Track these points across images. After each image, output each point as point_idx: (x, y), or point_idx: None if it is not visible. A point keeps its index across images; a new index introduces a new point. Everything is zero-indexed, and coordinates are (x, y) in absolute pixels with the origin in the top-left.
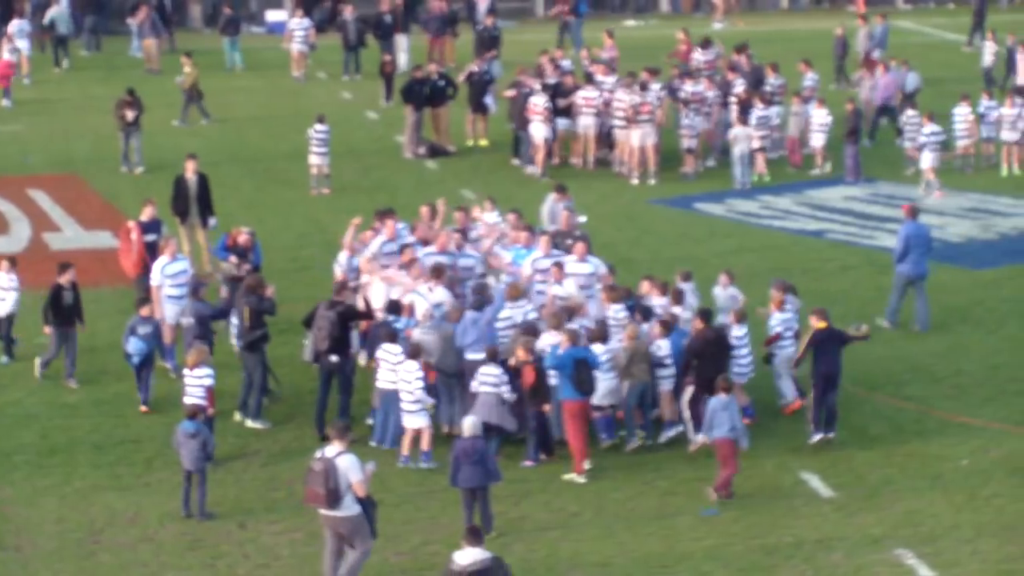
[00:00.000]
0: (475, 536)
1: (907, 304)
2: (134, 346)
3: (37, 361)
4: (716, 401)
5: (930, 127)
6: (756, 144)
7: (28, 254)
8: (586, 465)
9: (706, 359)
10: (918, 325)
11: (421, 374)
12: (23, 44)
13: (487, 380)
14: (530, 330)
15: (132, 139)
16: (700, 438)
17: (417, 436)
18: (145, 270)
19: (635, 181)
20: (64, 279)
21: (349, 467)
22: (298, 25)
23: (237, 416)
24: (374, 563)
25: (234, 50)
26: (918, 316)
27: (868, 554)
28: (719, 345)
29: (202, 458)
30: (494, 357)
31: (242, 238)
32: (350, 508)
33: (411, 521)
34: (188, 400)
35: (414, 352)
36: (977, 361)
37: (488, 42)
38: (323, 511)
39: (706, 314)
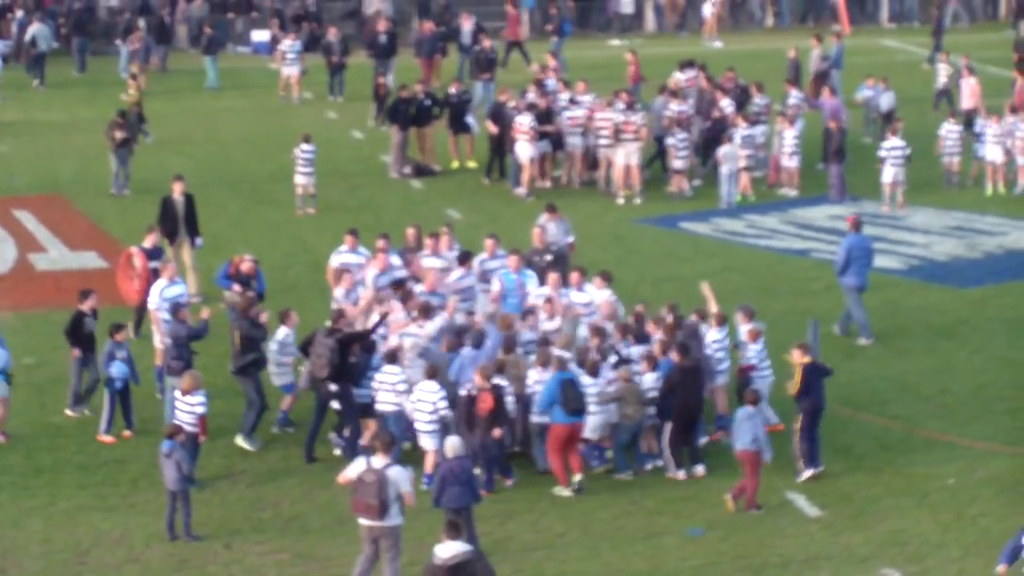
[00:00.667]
0: (454, 529)
1: (875, 317)
2: (119, 370)
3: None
4: (741, 412)
5: (891, 141)
6: (742, 163)
7: (13, 275)
8: (577, 478)
9: (683, 392)
10: (838, 328)
11: (443, 393)
12: None
13: (426, 399)
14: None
15: (123, 162)
16: (680, 474)
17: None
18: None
19: (620, 200)
20: (86, 306)
21: (399, 478)
22: (290, 48)
23: (239, 439)
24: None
25: (212, 68)
26: (842, 322)
27: (855, 573)
28: (697, 382)
29: (181, 479)
30: (433, 374)
31: (245, 266)
32: (396, 518)
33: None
34: (181, 425)
35: (431, 372)
36: (963, 380)
37: (485, 64)
38: (370, 522)
39: (684, 347)
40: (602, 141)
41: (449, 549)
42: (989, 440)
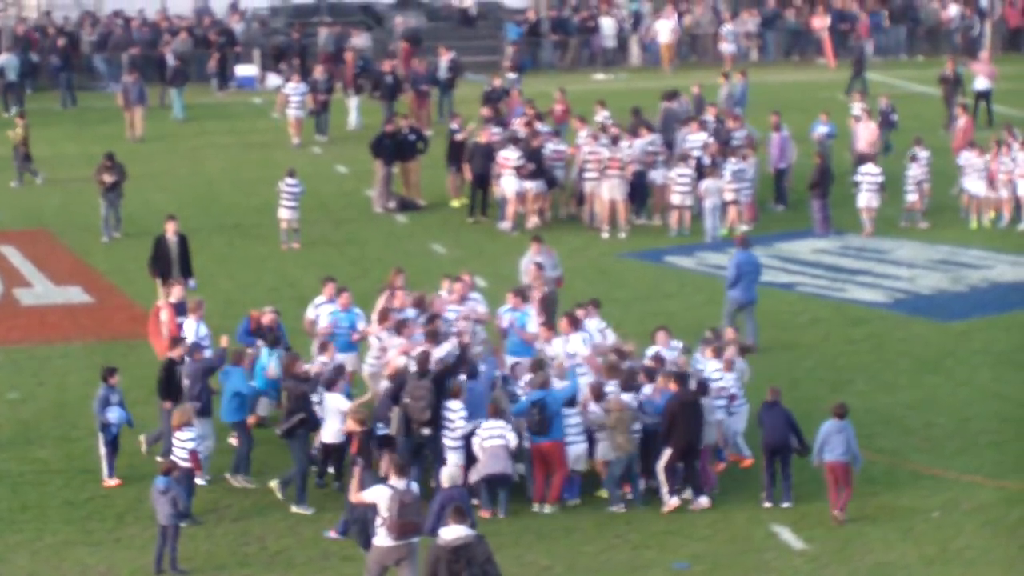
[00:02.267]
0: (460, 515)
1: (860, 350)
2: (117, 416)
3: (142, 438)
4: (830, 425)
5: (867, 167)
6: (729, 196)
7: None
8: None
9: (681, 423)
10: (750, 340)
11: (465, 413)
12: None
13: (493, 434)
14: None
15: (112, 205)
16: (674, 501)
17: None
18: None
19: (605, 235)
20: (177, 353)
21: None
22: (294, 91)
23: (294, 507)
24: None
25: (178, 101)
26: (748, 335)
27: None
28: (694, 409)
29: (174, 514)
30: (496, 413)
31: (266, 318)
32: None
33: None
34: (175, 461)
35: (456, 392)
36: (948, 413)
37: (496, 99)
38: (407, 541)
39: (681, 377)
40: (588, 176)
41: (454, 532)
42: (974, 473)
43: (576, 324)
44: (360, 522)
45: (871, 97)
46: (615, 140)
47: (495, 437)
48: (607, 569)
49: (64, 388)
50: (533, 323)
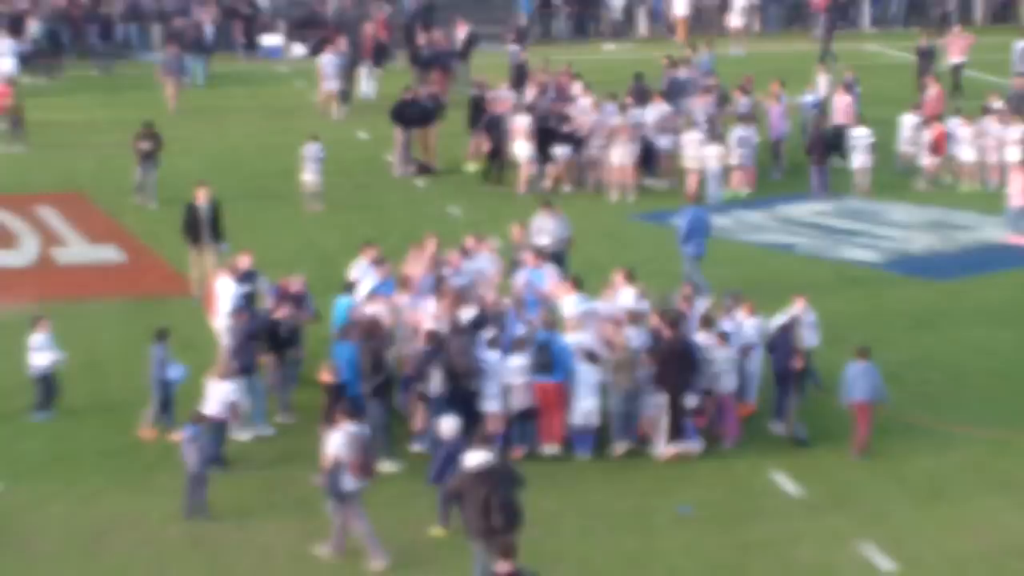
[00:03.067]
0: (484, 441)
1: (856, 308)
2: (181, 372)
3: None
4: (854, 367)
5: (859, 130)
6: (733, 161)
7: (37, 268)
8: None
9: (670, 368)
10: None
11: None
12: (9, 63)
13: (517, 370)
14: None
15: (148, 173)
16: (670, 449)
17: None
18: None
19: (614, 198)
20: (281, 314)
21: None
22: (329, 62)
23: (386, 464)
24: (366, 560)
25: (198, 65)
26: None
27: (835, 550)
28: (688, 356)
29: (202, 461)
30: (521, 348)
31: (294, 287)
32: None
33: (401, 520)
34: (212, 411)
35: (494, 344)
36: (942, 368)
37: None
38: (367, 480)
39: (676, 322)
40: (596, 143)
41: (477, 457)
42: (965, 424)
43: (577, 286)
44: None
45: (838, 69)
46: (624, 108)
47: (521, 374)
48: (614, 514)
49: (97, 343)
50: (548, 281)
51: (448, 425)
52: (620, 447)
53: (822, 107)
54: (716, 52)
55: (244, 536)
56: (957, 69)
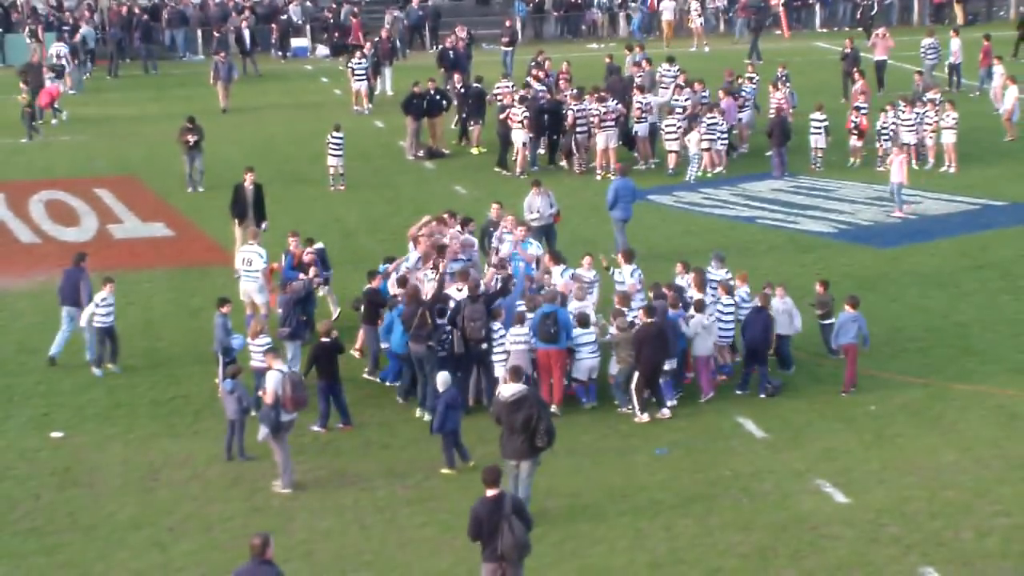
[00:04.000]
0: (516, 374)
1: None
2: (239, 343)
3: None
4: (845, 315)
5: (815, 114)
6: (704, 145)
7: (95, 242)
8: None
9: (648, 349)
10: (620, 250)
11: (504, 331)
12: (64, 61)
13: (518, 340)
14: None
15: (195, 162)
16: (644, 417)
17: None
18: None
19: (599, 177)
20: (375, 283)
21: None
22: (358, 64)
23: (417, 412)
24: (383, 496)
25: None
26: (619, 246)
27: (793, 484)
28: (660, 339)
29: (240, 410)
30: (521, 321)
31: (307, 258)
32: None
33: (415, 461)
34: (252, 362)
35: (497, 315)
36: (883, 324)
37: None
38: (296, 414)
39: (650, 310)
40: (579, 131)
41: (511, 389)
42: (903, 373)
43: (558, 260)
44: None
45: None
46: (602, 100)
47: (519, 343)
48: (600, 454)
49: (150, 307)
50: (534, 248)
51: (442, 379)
52: (623, 410)
53: (755, 100)
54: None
55: (277, 474)
56: (880, 66)
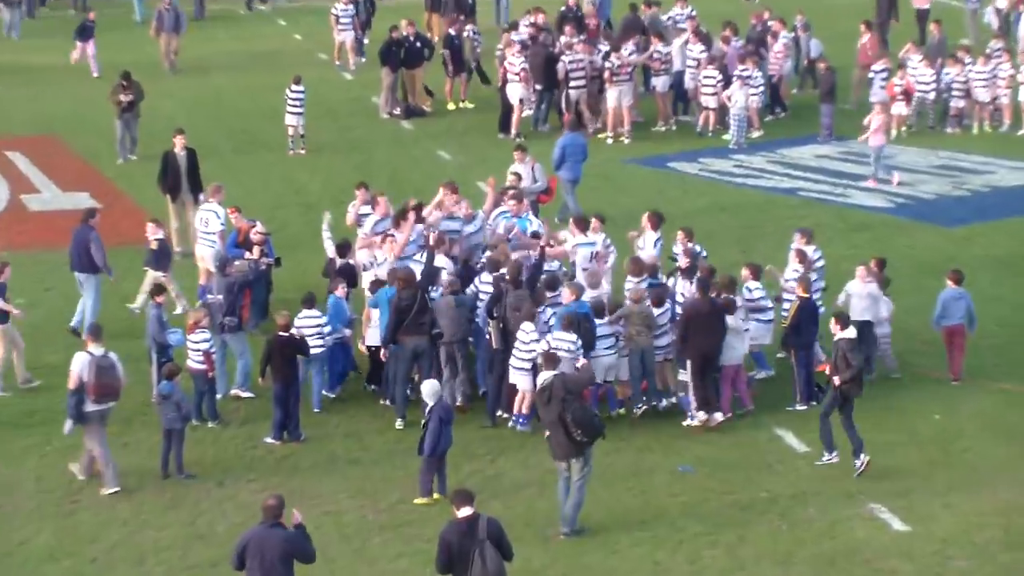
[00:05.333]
0: (552, 361)
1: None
2: (177, 339)
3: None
4: (948, 293)
5: (879, 64)
6: (711, 103)
7: (6, 216)
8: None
9: (700, 331)
10: (557, 219)
11: (536, 335)
12: None
13: (563, 347)
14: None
15: (130, 127)
16: (700, 416)
17: (522, 398)
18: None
19: (610, 141)
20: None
21: None
22: (343, 12)
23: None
24: (350, 520)
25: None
26: (571, 209)
27: (842, 508)
28: (716, 318)
29: (178, 418)
30: (571, 326)
31: (256, 236)
32: None
33: (389, 479)
34: (188, 362)
35: (529, 311)
36: None
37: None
38: (103, 404)
39: (704, 284)
40: (574, 84)
41: (545, 376)
42: (974, 377)
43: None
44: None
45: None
46: (617, 48)
47: (566, 351)
48: (612, 472)
49: (71, 294)
50: (536, 226)
51: (431, 389)
52: (638, 410)
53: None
54: None
55: (223, 494)
56: (922, 16)
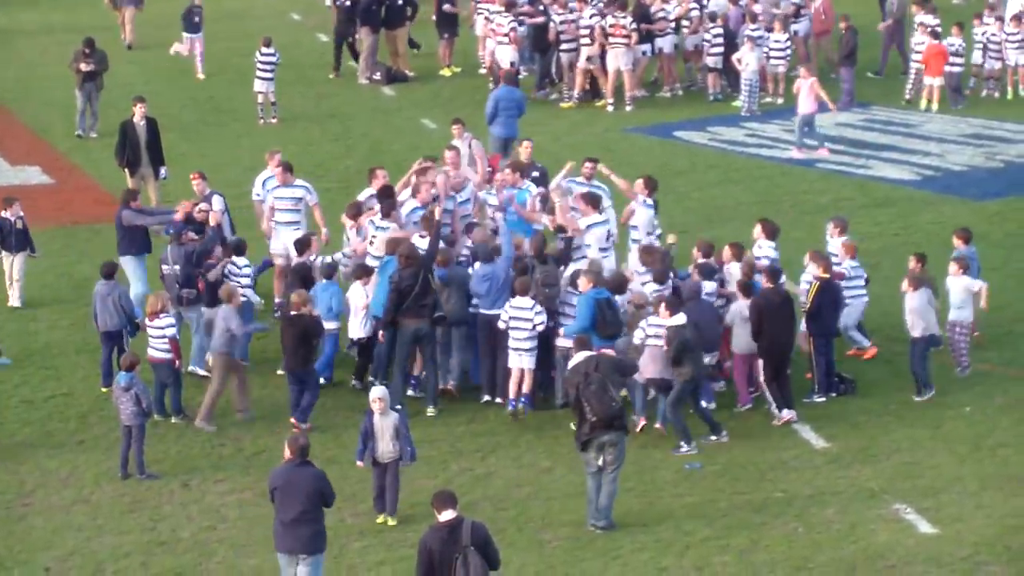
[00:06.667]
0: (583, 345)
1: (885, 232)
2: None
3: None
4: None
5: (923, 16)
6: (710, 63)
7: None
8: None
9: (774, 324)
10: None
11: (539, 308)
12: None
13: (655, 332)
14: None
15: (91, 100)
16: (786, 414)
17: (521, 378)
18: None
19: (610, 108)
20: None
21: None
22: None
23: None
24: (330, 524)
25: None
26: None
27: (864, 509)
28: (786, 309)
29: (139, 413)
30: (674, 307)
31: (200, 215)
32: None
33: (370, 480)
34: (150, 352)
35: (524, 287)
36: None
37: None
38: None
39: (775, 273)
40: (564, 46)
41: (580, 356)
42: (1008, 365)
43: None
44: None
45: None
46: (622, 7)
47: (656, 337)
48: None
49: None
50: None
51: (380, 394)
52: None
53: None
54: None
55: (189, 496)
56: None
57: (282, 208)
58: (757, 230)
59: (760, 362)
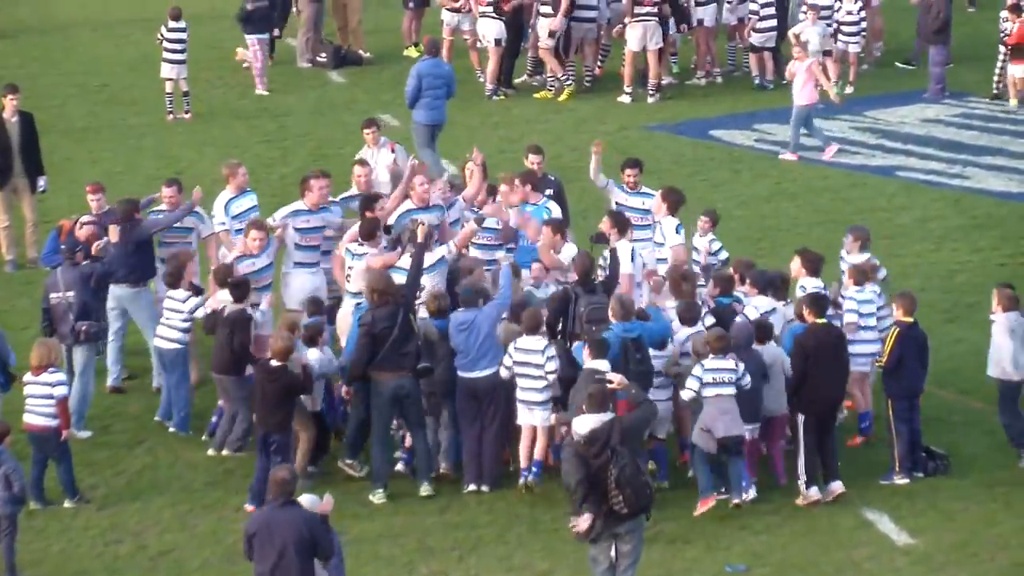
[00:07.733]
0: (602, 401)
1: (977, 258)
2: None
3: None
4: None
5: None
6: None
7: None
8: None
9: (822, 370)
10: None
11: (552, 352)
12: None
13: (719, 379)
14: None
15: None
16: (813, 493)
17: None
18: None
19: (627, 99)
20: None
21: None
22: None
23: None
24: None
25: None
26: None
27: None
28: (840, 351)
29: (8, 500)
30: (726, 348)
31: (83, 231)
32: None
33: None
34: (29, 418)
35: (533, 322)
36: None
37: None
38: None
39: (820, 303)
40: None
41: (589, 422)
42: None
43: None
44: None
45: None
46: None
47: (723, 384)
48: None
49: None
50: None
51: (309, 502)
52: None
53: None
54: None
55: None
56: None
57: (305, 245)
58: (796, 265)
59: (801, 418)
